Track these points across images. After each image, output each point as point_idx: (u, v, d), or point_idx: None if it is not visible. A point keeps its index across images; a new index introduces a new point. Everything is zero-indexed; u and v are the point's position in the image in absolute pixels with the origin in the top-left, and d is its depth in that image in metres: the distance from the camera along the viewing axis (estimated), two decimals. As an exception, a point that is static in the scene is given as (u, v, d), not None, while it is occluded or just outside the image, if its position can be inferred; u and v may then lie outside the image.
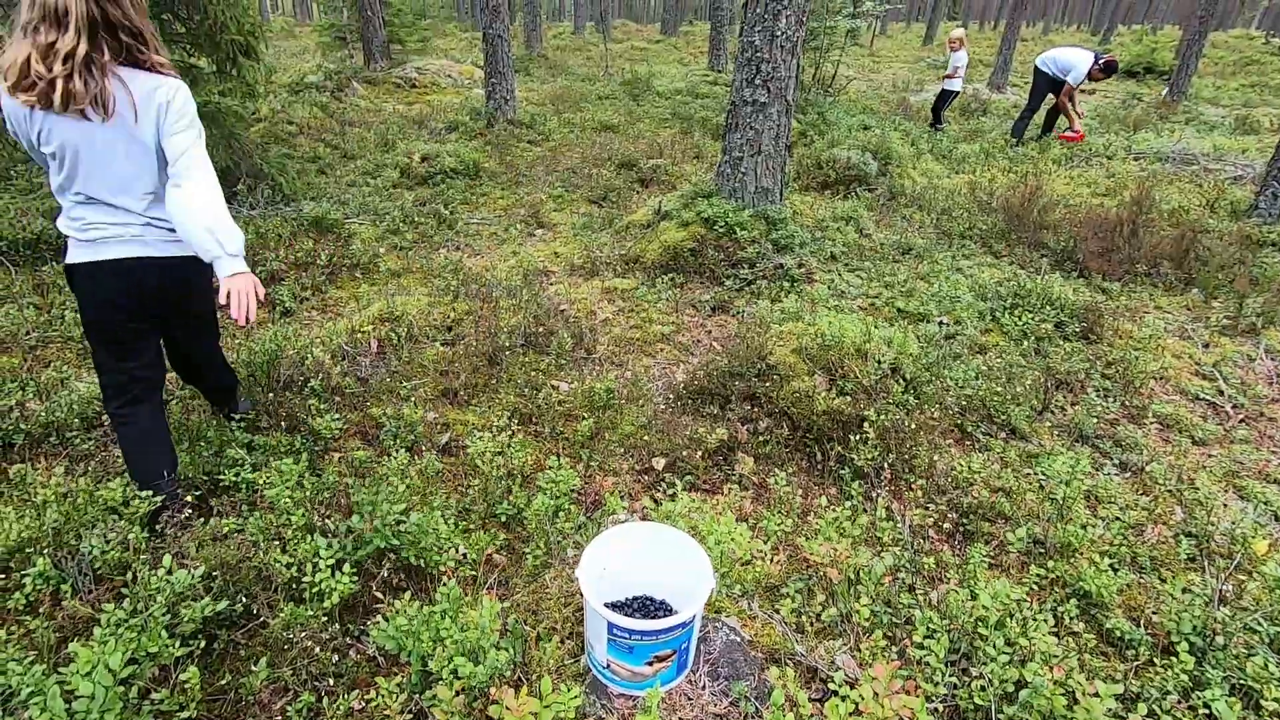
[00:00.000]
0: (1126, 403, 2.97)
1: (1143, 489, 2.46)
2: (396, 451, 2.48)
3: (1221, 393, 3.19)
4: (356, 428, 2.77)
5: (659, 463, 2.67)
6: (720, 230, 4.27)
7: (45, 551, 1.87)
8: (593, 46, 19.81)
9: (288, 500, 2.05)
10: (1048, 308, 3.57)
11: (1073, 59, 8.07)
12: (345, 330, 3.40)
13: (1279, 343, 3.65)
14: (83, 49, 1.63)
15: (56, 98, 1.63)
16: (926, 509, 2.22)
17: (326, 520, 2.04)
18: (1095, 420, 2.78)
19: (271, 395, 2.74)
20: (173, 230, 1.87)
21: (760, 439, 2.73)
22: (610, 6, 27.95)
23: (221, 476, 2.28)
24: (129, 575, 1.75)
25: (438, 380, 3.11)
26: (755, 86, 4.19)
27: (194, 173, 1.78)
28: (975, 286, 4.04)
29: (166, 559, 1.75)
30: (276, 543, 1.92)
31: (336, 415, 2.72)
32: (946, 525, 2.21)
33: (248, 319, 1.78)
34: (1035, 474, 2.52)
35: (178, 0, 4.61)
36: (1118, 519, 2.26)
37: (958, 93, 9.63)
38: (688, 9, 41.08)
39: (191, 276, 2.01)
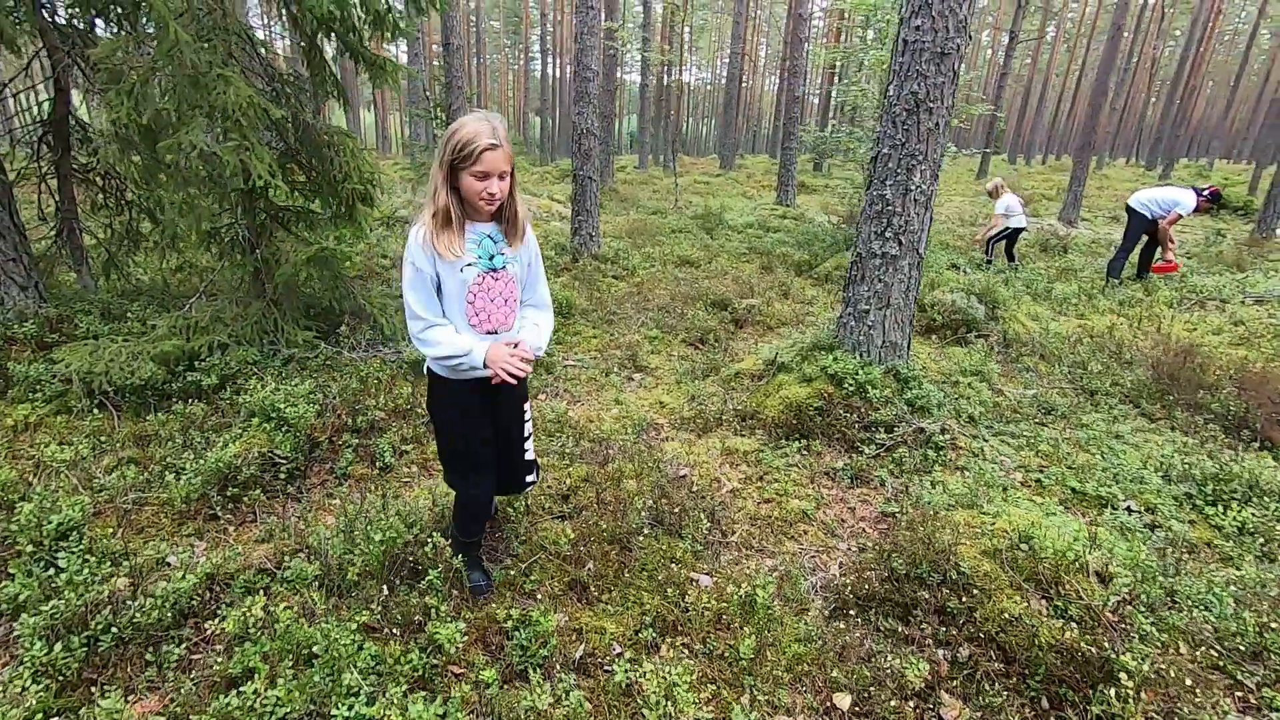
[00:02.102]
0: None
1: None
2: (534, 676, 2.07)
3: None
4: (479, 631, 2.37)
5: (843, 701, 2.18)
6: (849, 388, 3.93)
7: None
8: (657, 180, 20.74)
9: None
10: (1266, 498, 3.04)
11: (1176, 195, 7.87)
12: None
13: None
14: None
15: None
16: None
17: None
18: (1404, 670, 2.19)
19: (387, 591, 2.39)
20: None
21: (965, 672, 2.22)
22: (665, 138, 29.71)
23: (334, 712, 1.89)
24: None
25: (561, 567, 2.72)
26: (885, 239, 3.98)
27: None
28: (1155, 462, 3.54)
29: None
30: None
31: (457, 617, 2.34)
32: None
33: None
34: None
35: (303, 152, 4.78)
36: None
37: (1023, 229, 9.40)
38: (739, 144, 43.44)
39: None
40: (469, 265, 2.05)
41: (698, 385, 4.76)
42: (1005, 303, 6.50)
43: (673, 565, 2.72)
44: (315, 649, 2.09)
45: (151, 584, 2.43)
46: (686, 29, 33.61)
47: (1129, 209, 8.24)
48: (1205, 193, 8.03)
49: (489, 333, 2.13)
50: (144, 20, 4.29)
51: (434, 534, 2.64)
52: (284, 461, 3.38)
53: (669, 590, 2.58)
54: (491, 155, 1.90)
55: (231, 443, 3.35)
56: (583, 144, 7.93)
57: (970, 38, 3.69)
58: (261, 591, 2.42)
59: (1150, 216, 8.01)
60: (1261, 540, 2.86)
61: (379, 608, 2.34)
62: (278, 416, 3.52)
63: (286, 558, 2.68)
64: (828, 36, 38.13)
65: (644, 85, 24.37)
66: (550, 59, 37.45)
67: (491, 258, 2.09)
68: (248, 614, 2.21)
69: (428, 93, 11.38)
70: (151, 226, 5.29)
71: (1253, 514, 2.95)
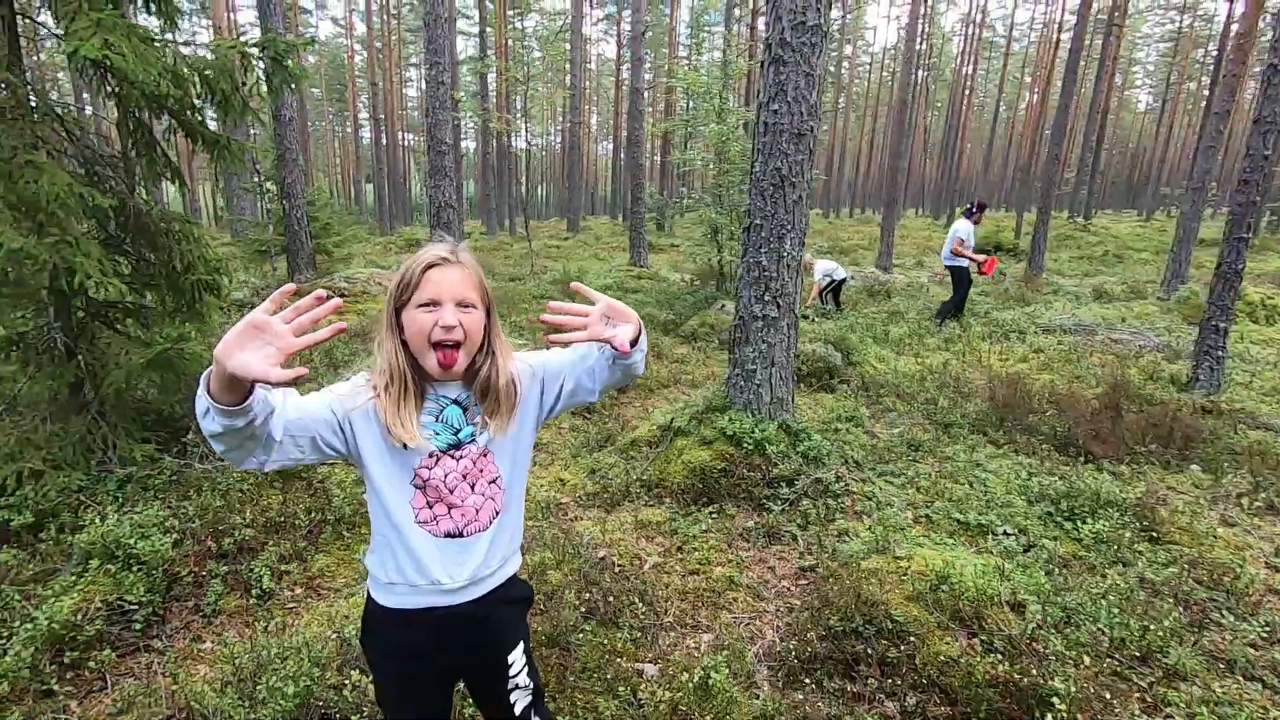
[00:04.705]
0: (1251, 619, 2.82)
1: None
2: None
3: (1307, 587, 3.13)
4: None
5: (814, 775, 2.17)
6: (749, 447, 4.07)
7: None
8: (508, 246, 20.73)
9: None
10: (1109, 508, 3.51)
11: (954, 228, 9.30)
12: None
13: (1308, 520, 3.75)
14: None
15: None
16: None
17: None
18: (1250, 648, 2.59)
19: (303, 752, 2.05)
20: None
21: (916, 721, 2.31)
22: (509, 203, 29.92)
23: None
24: None
25: (497, 683, 2.50)
26: (765, 303, 4.23)
27: None
28: (1015, 486, 3.98)
29: None
30: None
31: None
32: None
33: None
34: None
35: (129, 240, 4.23)
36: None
37: (845, 279, 10.46)
38: (579, 206, 44.69)
39: None
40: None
41: (595, 458, 4.69)
42: (856, 348, 7.12)
43: (618, 659, 2.61)
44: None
45: (-23, 803, 1.91)
46: (518, 99, 34.50)
47: (946, 267, 9.51)
48: (973, 210, 9.57)
49: (449, 535, 1.38)
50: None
51: (350, 671, 2.33)
52: (137, 608, 2.85)
53: (619, 688, 2.46)
54: (440, 273, 1.29)
55: (65, 594, 2.77)
56: (442, 216, 7.76)
57: (820, 121, 4.10)
58: (139, 784, 1.99)
59: (963, 264, 9.30)
60: (1115, 548, 3.29)
61: (297, 775, 2.01)
62: (125, 554, 2.98)
63: (161, 731, 2.24)
64: (653, 108, 40.86)
65: (485, 153, 24.53)
66: (382, 125, 36.60)
67: (457, 431, 1.38)
68: (126, 818, 1.80)
69: (258, 165, 10.64)
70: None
71: (1103, 524, 3.40)
